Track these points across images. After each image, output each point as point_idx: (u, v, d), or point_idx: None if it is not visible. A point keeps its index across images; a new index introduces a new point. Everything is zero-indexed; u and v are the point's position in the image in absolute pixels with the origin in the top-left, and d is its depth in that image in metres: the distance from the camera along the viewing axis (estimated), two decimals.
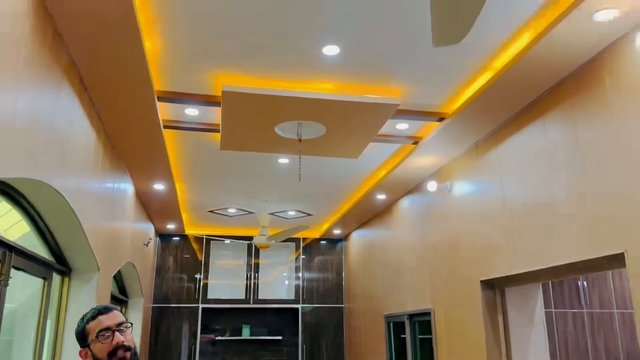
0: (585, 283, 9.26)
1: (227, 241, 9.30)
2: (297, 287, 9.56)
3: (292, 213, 8.12)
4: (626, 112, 3.17)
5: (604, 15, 3.02)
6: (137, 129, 4.51)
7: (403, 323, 6.53)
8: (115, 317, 2.05)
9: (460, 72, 3.95)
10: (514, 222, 4.27)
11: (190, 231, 9.22)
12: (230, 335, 9.18)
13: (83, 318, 2.07)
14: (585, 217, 3.45)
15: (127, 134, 4.62)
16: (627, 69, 3.18)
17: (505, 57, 3.70)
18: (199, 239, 9.34)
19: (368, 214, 8.00)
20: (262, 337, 9.20)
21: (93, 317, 2.04)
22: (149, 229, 7.95)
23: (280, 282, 9.78)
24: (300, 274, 9.65)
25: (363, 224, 8.60)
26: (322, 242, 9.92)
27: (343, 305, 9.61)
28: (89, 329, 2.02)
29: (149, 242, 7.59)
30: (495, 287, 4.67)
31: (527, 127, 4.17)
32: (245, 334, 9.19)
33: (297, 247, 9.80)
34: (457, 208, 5.28)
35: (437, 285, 5.63)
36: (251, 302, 9.22)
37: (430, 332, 5.69)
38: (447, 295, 5.37)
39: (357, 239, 9.02)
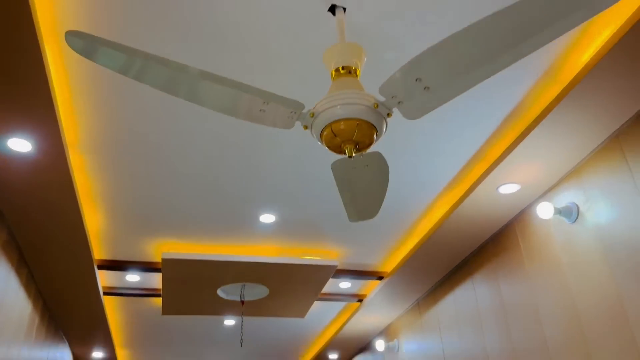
0: None
1: None
2: None
3: None
4: (537, 274, 3.40)
5: (507, 189, 3.38)
6: (76, 298, 4.46)
7: None
8: None
9: (391, 236, 4.20)
10: None
11: None
12: None
13: None
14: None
15: (66, 303, 4.55)
16: (534, 235, 3.48)
17: (427, 224, 4.00)
18: None
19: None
20: None
21: None
22: None
23: None
24: None
25: None
26: None
27: None
28: None
29: None
30: None
31: (459, 287, 4.35)
32: None
33: None
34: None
35: None
36: None
37: None
38: None
39: None
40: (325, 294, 5.18)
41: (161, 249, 4.15)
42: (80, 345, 5.61)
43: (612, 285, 2.81)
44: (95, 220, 3.72)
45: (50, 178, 2.94)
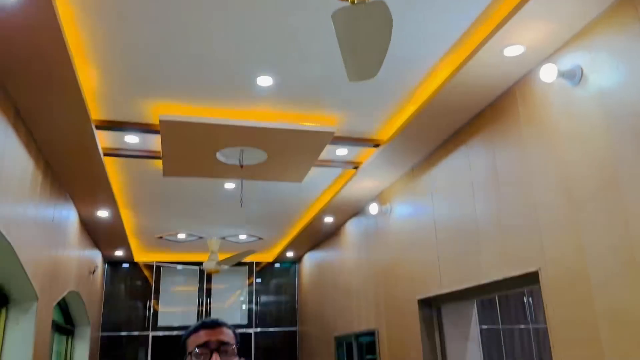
0: (531, 299, 9.61)
1: (179, 267, 9.23)
2: (250, 312, 9.56)
3: (243, 237, 8.17)
4: (534, 142, 3.43)
5: (512, 51, 3.28)
6: (77, 157, 4.53)
7: (351, 344, 6.63)
8: (219, 333, 1.74)
9: (389, 102, 4.16)
10: (443, 242, 4.48)
11: (140, 258, 9.11)
12: None
13: (189, 329, 1.82)
14: (503, 238, 3.68)
15: (68, 162, 4.63)
16: (534, 101, 3.45)
17: (427, 89, 3.94)
18: (149, 266, 9.24)
19: (318, 237, 8.12)
20: None
21: (196, 330, 1.76)
22: (96, 256, 7.84)
23: (234, 307, 9.73)
24: (253, 298, 9.66)
25: (314, 246, 8.72)
26: (276, 265, 9.96)
27: (296, 329, 9.64)
28: (188, 343, 1.75)
29: (95, 270, 7.47)
30: (431, 305, 4.84)
31: (454, 152, 4.42)
32: None
33: (250, 272, 9.81)
34: (397, 229, 5.48)
35: (380, 305, 5.77)
36: None
37: (374, 352, 5.81)
38: (389, 315, 5.52)
39: (309, 261, 9.12)
40: (322, 160, 5.27)
41: (159, 110, 4.13)
42: (84, 204, 5.82)
43: (608, 153, 2.84)
44: (89, 79, 3.65)
45: (39, 29, 2.82)
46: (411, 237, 5.14)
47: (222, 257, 7.50)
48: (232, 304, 9.73)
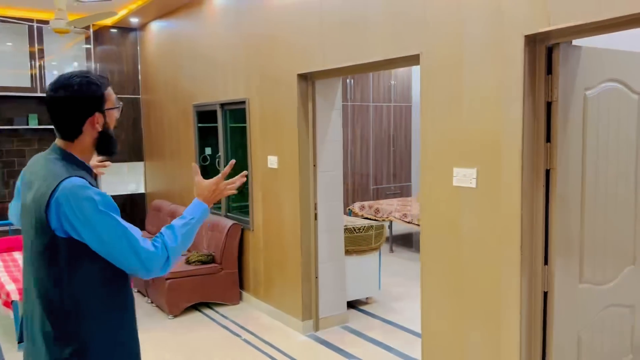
0: (352, 81, 11.08)
1: (2, 23, 8.18)
2: None
3: None
4: None
5: None
6: None
7: (214, 112, 7.19)
8: None
9: None
10: (329, 21, 4.98)
11: None
12: (17, 125, 8.66)
13: (97, 82, 2.04)
14: (391, 23, 4.33)
15: None
16: None
17: None
18: None
19: (173, 3, 7.85)
20: (52, 127, 8.91)
21: (109, 85, 2.10)
22: None
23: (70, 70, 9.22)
24: (92, 64, 9.24)
25: (166, 14, 8.43)
26: (112, 30, 9.44)
27: (139, 97, 9.73)
28: (107, 96, 2.08)
29: None
30: (308, 80, 5.57)
31: None
32: (33, 123, 8.77)
33: (86, 34, 9.18)
34: (277, 7, 5.76)
35: (253, 78, 6.27)
36: (38, 91, 8.66)
37: (243, 121, 6.51)
38: (263, 87, 6.10)
39: (157, 30, 8.86)
40: None
41: None
42: None
43: None
44: None
45: None
46: (292, 14, 5.49)
47: (70, 18, 6.94)
48: (68, 68, 9.21)
